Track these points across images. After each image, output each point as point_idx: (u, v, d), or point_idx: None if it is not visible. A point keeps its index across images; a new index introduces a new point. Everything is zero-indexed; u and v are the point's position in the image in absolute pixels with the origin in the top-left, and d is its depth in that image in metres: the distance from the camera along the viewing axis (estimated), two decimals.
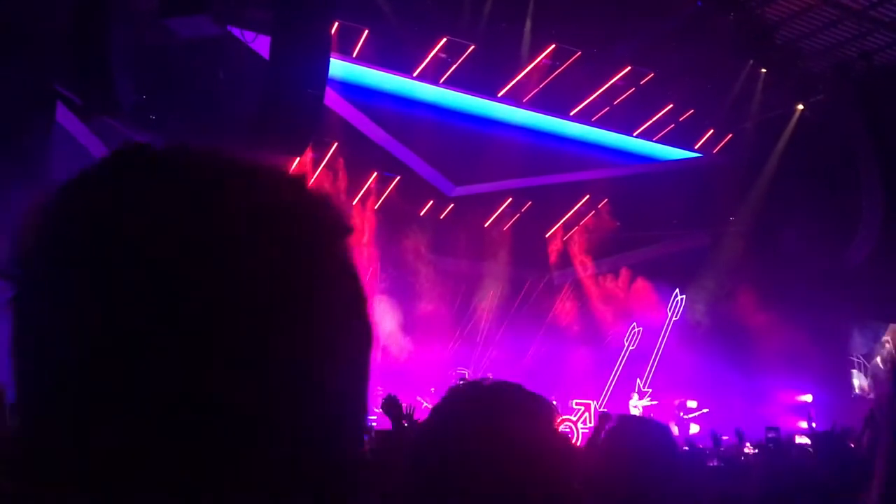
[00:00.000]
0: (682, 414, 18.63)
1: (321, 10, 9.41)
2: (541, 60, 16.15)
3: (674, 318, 20.04)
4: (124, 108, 10.27)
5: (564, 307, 20.99)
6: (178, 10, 8.70)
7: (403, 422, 4.37)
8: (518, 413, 1.22)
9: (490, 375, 18.14)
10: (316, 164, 17.75)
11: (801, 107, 18.20)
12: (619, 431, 2.02)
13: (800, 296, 17.29)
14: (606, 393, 18.93)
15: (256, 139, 9.71)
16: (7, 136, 10.84)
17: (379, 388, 16.75)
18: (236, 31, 12.66)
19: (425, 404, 16.55)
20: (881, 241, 16.09)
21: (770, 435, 9.71)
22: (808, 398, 18.43)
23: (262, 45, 12.13)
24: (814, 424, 11.29)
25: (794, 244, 17.04)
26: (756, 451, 8.45)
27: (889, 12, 15.46)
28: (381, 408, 4.43)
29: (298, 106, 9.24)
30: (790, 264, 17.40)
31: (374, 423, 11.88)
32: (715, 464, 6.72)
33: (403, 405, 4.51)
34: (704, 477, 5.34)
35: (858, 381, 18.47)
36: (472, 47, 15.41)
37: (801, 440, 10.94)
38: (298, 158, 16.55)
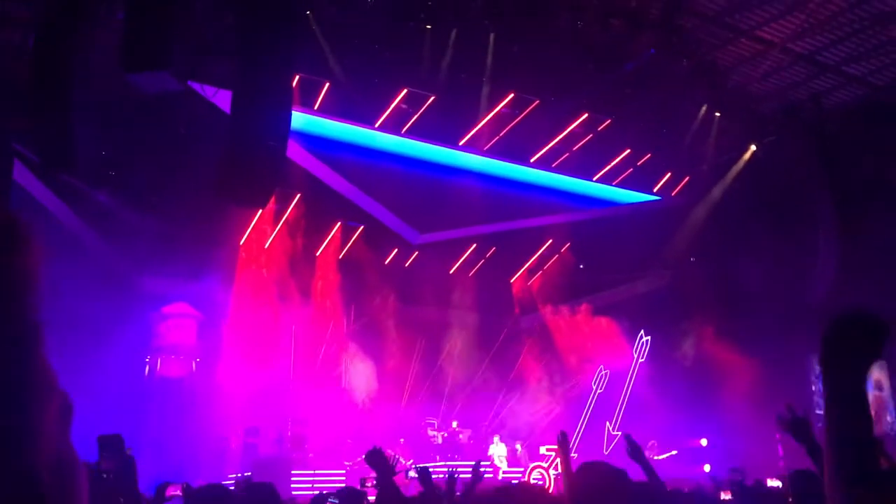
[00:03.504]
0: (653, 456, 18.59)
1: (282, 64, 9.47)
2: (500, 109, 16.39)
3: (640, 360, 20.11)
4: (82, 164, 10.19)
5: (531, 352, 20.99)
6: (140, 66, 8.71)
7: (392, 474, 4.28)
8: None
9: (455, 423, 18.01)
10: (279, 215, 17.72)
11: (753, 147, 18.64)
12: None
13: (763, 332, 17.47)
14: (577, 437, 18.85)
15: (219, 192, 9.67)
16: None
17: (348, 440, 16.56)
18: (197, 87, 12.70)
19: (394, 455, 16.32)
20: (839, 275, 16.37)
21: (736, 478, 9.41)
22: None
23: (223, 99, 12.18)
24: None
25: (754, 282, 17.24)
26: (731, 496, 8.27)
27: (834, 56, 16.02)
28: (367, 461, 4.33)
29: (260, 158, 9.22)
30: (751, 302, 17.58)
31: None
32: None
33: (389, 455, 4.44)
34: None
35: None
36: (433, 98, 15.59)
37: (773, 483, 10.84)
38: (261, 210, 16.55)
